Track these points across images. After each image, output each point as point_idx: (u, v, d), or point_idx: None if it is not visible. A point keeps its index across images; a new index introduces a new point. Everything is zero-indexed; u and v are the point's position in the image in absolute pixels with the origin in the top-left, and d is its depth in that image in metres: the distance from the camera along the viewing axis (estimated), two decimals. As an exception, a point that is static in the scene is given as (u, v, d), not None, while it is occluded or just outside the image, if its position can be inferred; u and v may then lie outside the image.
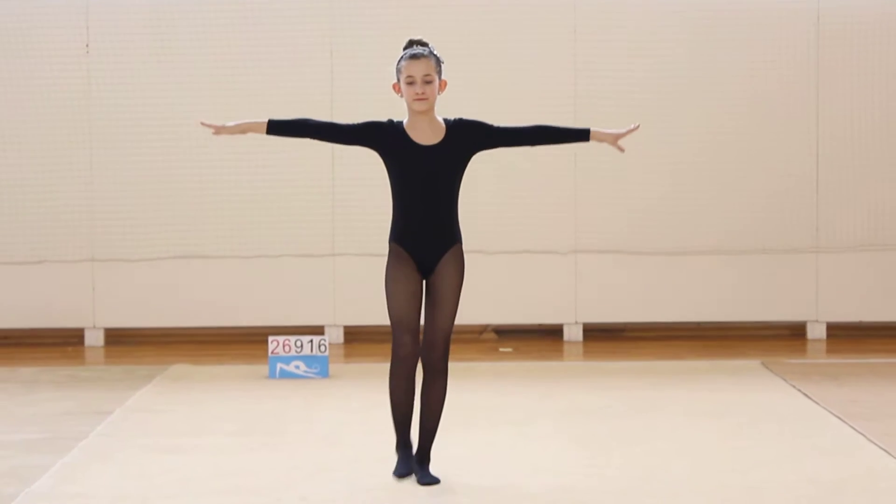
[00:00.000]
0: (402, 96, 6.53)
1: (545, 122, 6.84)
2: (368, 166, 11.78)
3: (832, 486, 6.48)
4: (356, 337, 12.05)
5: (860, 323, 12.16)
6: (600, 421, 8.23)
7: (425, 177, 6.52)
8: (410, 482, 6.59)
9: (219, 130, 6.63)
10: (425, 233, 6.62)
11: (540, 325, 12.27)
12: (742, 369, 10.22)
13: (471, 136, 6.58)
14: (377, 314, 11.95)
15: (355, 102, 11.58)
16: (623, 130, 6.72)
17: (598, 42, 11.81)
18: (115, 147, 11.79)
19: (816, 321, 12.01)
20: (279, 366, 9.96)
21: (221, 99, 11.73)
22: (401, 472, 6.67)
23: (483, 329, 12.18)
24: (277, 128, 6.61)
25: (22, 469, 7.01)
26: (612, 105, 11.71)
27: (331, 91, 11.78)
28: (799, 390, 9.18)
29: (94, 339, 11.94)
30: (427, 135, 6.54)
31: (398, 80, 6.53)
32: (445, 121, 6.59)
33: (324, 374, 9.96)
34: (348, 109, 11.69)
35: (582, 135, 6.73)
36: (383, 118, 6.62)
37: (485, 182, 11.81)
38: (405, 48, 6.54)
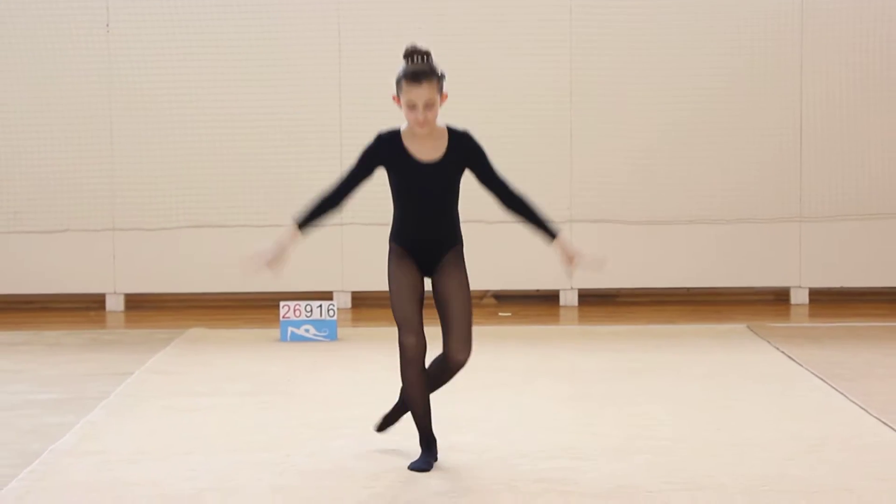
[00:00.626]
0: (401, 108, 6.01)
1: (531, 201, 6.39)
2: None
3: (814, 443, 6.48)
4: (363, 302, 12.06)
5: (841, 288, 12.16)
6: (595, 382, 8.24)
7: (425, 191, 6.14)
8: (414, 444, 6.60)
9: (270, 264, 6.20)
10: (426, 239, 6.31)
11: (537, 290, 12.27)
12: (729, 333, 10.22)
13: (468, 160, 6.19)
14: (383, 280, 11.95)
15: (362, 71, 11.59)
16: (582, 259, 6.29)
17: (594, 14, 11.79)
18: (135, 123, 11.78)
19: (800, 287, 12.01)
20: (290, 329, 9.96)
21: (236, 74, 11.73)
22: (419, 467, 6.05)
23: (483, 294, 12.18)
24: (306, 222, 6.27)
25: (47, 427, 7.02)
26: (606, 79, 11.71)
27: (338, 62, 11.75)
28: (783, 352, 9.18)
29: (114, 304, 11.96)
30: (427, 149, 6.08)
31: (397, 94, 5.97)
32: (449, 130, 6.12)
33: (332, 337, 9.97)
34: (355, 77, 11.70)
35: (549, 234, 6.35)
36: (382, 127, 6.20)
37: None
38: (405, 56, 5.94)
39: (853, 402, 7.42)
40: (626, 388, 7.99)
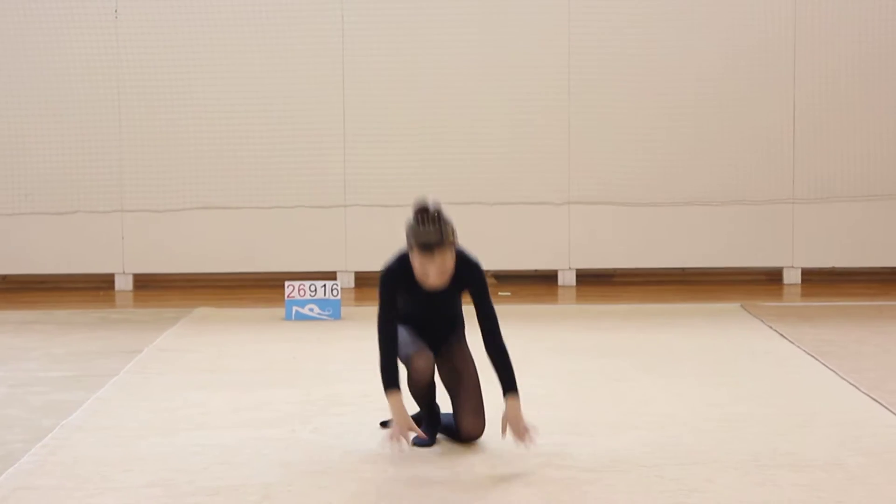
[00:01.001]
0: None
1: (508, 356, 5.87)
2: (376, 124, 11.79)
3: (805, 419, 6.50)
4: (366, 282, 12.06)
5: (833, 269, 12.17)
6: (591, 359, 8.25)
7: (431, 310, 5.98)
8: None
9: (407, 432, 5.75)
10: (429, 332, 6.05)
11: (536, 270, 12.28)
12: (723, 312, 10.23)
13: (470, 289, 5.85)
14: (385, 261, 11.99)
15: (366, 53, 11.58)
16: (518, 430, 5.72)
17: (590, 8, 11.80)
18: (143, 107, 11.78)
19: (792, 267, 12.03)
20: (295, 308, 9.98)
21: (242, 60, 11.73)
22: (422, 442, 5.97)
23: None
24: (394, 380, 5.76)
25: (58, 403, 7.04)
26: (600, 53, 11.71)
27: (342, 46, 11.75)
28: (775, 331, 9.19)
29: (123, 283, 11.97)
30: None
31: (409, 248, 5.73)
32: (459, 258, 5.83)
33: (336, 316, 9.98)
34: (359, 59, 11.70)
35: (506, 389, 5.76)
36: (396, 250, 5.90)
37: (486, 138, 11.82)
38: (415, 214, 5.66)
39: (844, 379, 7.44)
40: (622, 366, 8.01)
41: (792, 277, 12.02)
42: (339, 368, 7.99)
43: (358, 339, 9.08)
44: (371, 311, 10.36)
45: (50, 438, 6.23)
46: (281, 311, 10.17)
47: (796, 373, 7.74)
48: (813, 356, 8.17)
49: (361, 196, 11.87)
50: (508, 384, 5.73)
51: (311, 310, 9.99)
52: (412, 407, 6.07)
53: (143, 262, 11.99)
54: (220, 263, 12.00)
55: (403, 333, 5.94)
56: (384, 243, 11.82)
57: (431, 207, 5.63)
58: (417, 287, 5.79)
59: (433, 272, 5.65)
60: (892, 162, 11.86)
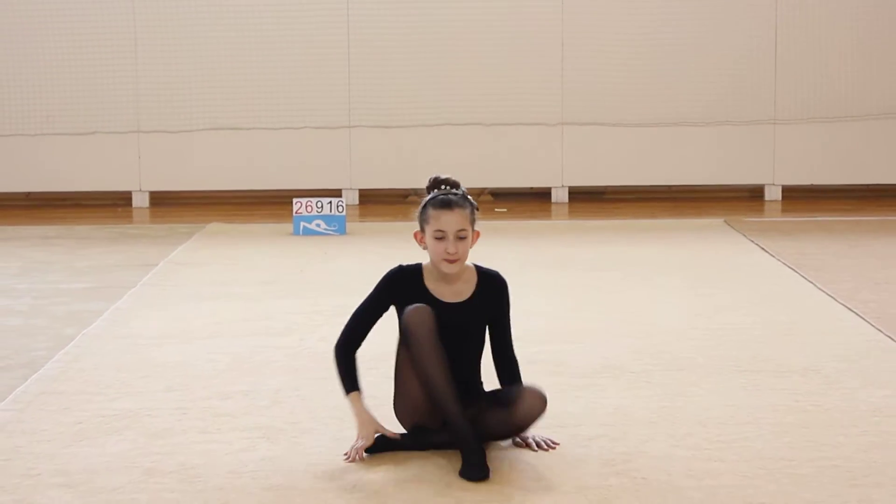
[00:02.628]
0: (424, 248, 4.67)
1: (516, 375, 4.67)
2: (379, 50, 11.71)
3: (785, 327, 6.51)
4: (370, 199, 12.05)
5: (812, 185, 12.14)
6: (583, 271, 8.25)
7: (449, 335, 4.55)
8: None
9: (371, 435, 4.51)
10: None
11: (531, 188, 12.26)
12: (707, 227, 10.22)
13: (493, 307, 4.70)
14: (388, 178, 11.99)
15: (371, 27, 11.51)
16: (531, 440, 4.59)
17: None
18: (157, 32, 11.70)
19: (773, 184, 12.00)
20: (302, 224, 9.96)
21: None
22: (472, 475, 4.34)
23: (481, 192, 12.16)
24: (351, 383, 4.60)
25: (80, 313, 7.04)
26: None
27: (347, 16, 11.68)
28: (757, 245, 9.18)
29: (140, 200, 11.95)
30: (453, 290, 4.68)
31: (422, 229, 4.64)
32: (478, 270, 4.73)
33: (341, 231, 9.97)
34: (364, 32, 11.59)
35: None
36: (400, 259, 4.83)
37: (484, 61, 11.75)
38: (429, 188, 4.65)
39: (821, 290, 7.44)
40: (612, 277, 8.01)
41: (773, 194, 11.99)
42: (344, 280, 7.99)
43: (362, 252, 9.08)
44: (377, 227, 10.39)
45: (72, 346, 6.24)
46: (289, 227, 10.16)
47: (777, 284, 7.73)
48: (792, 268, 8.17)
49: (365, 117, 11.82)
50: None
51: (318, 225, 9.97)
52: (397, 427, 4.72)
53: (158, 180, 11.96)
54: (231, 181, 11.97)
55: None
56: (387, 162, 11.88)
57: (449, 179, 4.65)
58: (432, 301, 4.59)
59: (452, 232, 4.53)
60: (869, 83, 11.79)
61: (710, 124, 11.87)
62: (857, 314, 6.77)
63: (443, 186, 4.62)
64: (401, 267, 4.70)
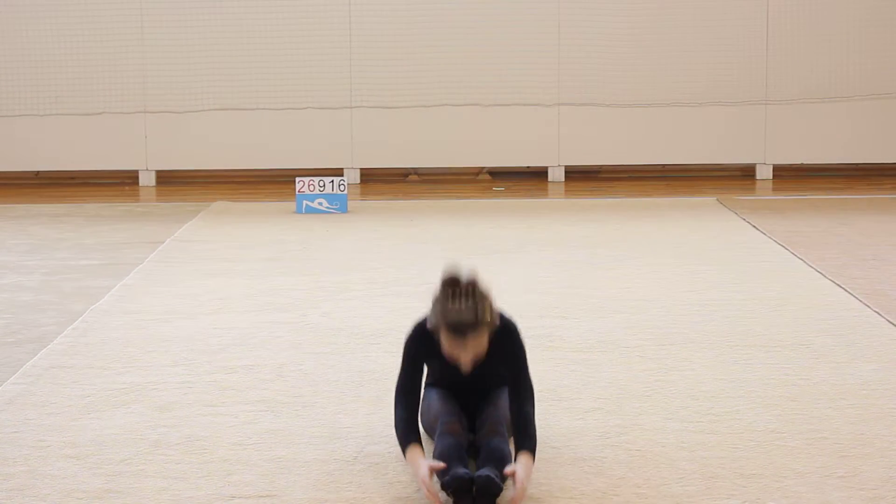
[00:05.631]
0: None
1: (531, 422, 4.09)
2: (380, 33, 11.67)
3: (776, 302, 6.50)
4: (370, 178, 12.03)
5: (802, 165, 12.13)
6: (579, 249, 8.24)
7: (468, 396, 4.32)
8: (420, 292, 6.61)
9: (428, 477, 3.92)
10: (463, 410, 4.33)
11: (528, 167, 12.24)
12: (700, 205, 10.21)
13: (504, 357, 4.19)
14: (389, 158, 11.98)
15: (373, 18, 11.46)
16: (520, 488, 3.89)
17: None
18: (164, 15, 11.67)
19: (764, 163, 11.98)
20: (305, 202, 9.95)
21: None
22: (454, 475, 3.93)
23: (479, 171, 12.15)
24: (412, 438, 4.08)
25: (88, 289, 7.04)
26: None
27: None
28: (748, 222, 9.18)
29: (147, 179, 11.93)
30: None
31: (435, 326, 4.10)
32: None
33: (343, 209, 9.96)
34: (365, 15, 11.56)
35: (520, 447, 4.02)
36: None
37: (482, 43, 11.72)
38: (443, 286, 4.06)
39: (811, 267, 7.44)
40: (606, 254, 8.00)
41: (764, 173, 11.97)
42: (346, 258, 7.99)
43: (363, 230, 9.07)
44: (376, 205, 10.38)
45: (80, 322, 6.24)
46: (292, 205, 10.15)
47: (767, 261, 7.73)
48: (783, 245, 8.16)
49: (366, 98, 11.80)
50: (526, 444, 4.04)
51: (320, 203, 9.96)
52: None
53: (164, 159, 11.94)
54: (235, 160, 11.96)
55: (433, 397, 4.35)
56: (388, 142, 11.86)
57: (465, 279, 4.08)
58: (448, 365, 4.22)
59: (466, 357, 4.11)
60: (858, 65, 11.76)
61: (702, 105, 11.85)
62: (846, 290, 6.77)
63: (457, 293, 4.02)
64: (412, 336, 4.22)
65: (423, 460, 3.97)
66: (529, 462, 3.98)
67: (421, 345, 4.20)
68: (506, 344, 4.18)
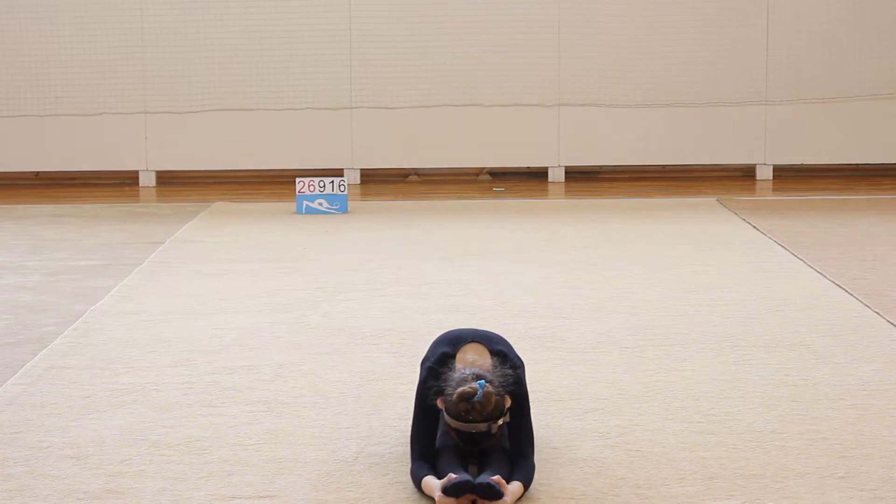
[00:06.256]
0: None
1: (531, 468, 4.04)
2: (380, 34, 11.67)
3: (776, 303, 6.50)
4: (370, 178, 12.03)
5: (802, 165, 12.13)
6: (578, 249, 8.24)
7: (473, 442, 4.08)
8: (419, 300, 6.61)
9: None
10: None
11: (528, 167, 12.24)
12: (700, 205, 10.21)
13: (510, 413, 4.09)
14: (389, 158, 11.98)
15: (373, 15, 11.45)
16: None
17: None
18: (165, 13, 11.67)
19: (765, 164, 11.97)
20: (305, 203, 9.95)
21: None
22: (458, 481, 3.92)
23: (480, 171, 12.14)
24: (427, 471, 4.05)
25: (88, 289, 7.04)
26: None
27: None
28: (749, 223, 9.18)
29: (147, 180, 11.93)
30: None
31: (444, 418, 4.08)
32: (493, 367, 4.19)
33: (343, 209, 9.96)
34: (365, 15, 11.55)
35: (513, 479, 3.98)
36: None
37: (483, 44, 11.72)
38: (457, 401, 3.96)
39: (811, 267, 7.44)
40: (607, 255, 8.00)
41: (764, 173, 11.97)
42: (345, 258, 7.99)
43: (363, 230, 9.07)
44: (377, 206, 10.38)
45: (80, 322, 6.24)
46: (292, 206, 10.15)
47: (768, 261, 7.73)
48: (783, 246, 8.16)
49: (366, 98, 11.80)
50: (522, 477, 4.01)
51: (320, 204, 9.96)
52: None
53: (164, 159, 11.94)
54: (236, 161, 11.95)
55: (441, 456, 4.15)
56: (387, 142, 11.86)
57: (479, 396, 3.96)
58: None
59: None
60: (859, 65, 11.76)
61: (702, 105, 11.85)
62: (846, 290, 6.76)
63: (469, 409, 3.94)
64: (431, 391, 4.12)
65: (436, 481, 3.95)
66: (520, 489, 3.97)
67: (432, 407, 4.10)
68: (512, 398, 4.09)
